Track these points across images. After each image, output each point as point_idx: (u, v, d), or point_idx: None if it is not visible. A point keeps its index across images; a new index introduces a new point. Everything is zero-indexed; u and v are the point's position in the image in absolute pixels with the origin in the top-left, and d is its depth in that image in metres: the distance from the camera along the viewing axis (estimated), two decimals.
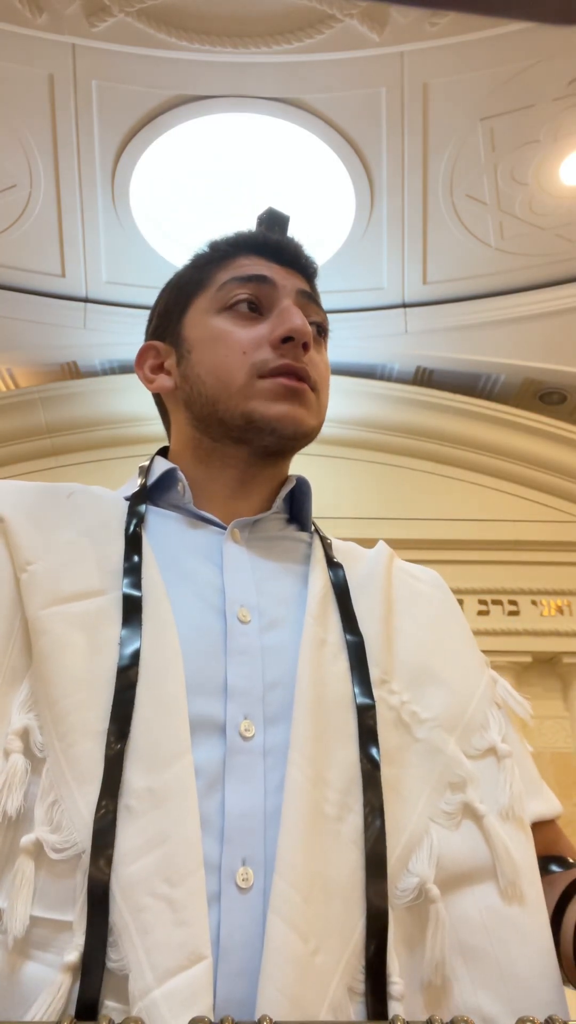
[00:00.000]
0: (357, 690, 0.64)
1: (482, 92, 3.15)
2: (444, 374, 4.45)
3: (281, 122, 3.32)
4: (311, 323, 0.80)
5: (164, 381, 0.84)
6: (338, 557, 0.78)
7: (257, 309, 0.79)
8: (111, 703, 0.57)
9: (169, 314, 0.86)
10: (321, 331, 0.84)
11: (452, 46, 2.98)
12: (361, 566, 0.78)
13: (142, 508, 0.75)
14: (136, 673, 0.59)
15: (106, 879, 0.50)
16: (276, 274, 0.82)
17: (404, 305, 4.03)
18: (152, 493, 0.79)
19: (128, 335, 4.26)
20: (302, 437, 0.79)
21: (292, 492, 0.84)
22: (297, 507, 0.85)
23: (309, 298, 0.83)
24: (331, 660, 0.65)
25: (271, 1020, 0.44)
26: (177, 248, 3.94)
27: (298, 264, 0.85)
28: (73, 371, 4.63)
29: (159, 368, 0.85)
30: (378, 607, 0.72)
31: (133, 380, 4.56)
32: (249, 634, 0.66)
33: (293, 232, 0.91)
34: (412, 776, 0.62)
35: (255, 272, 0.81)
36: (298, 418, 0.77)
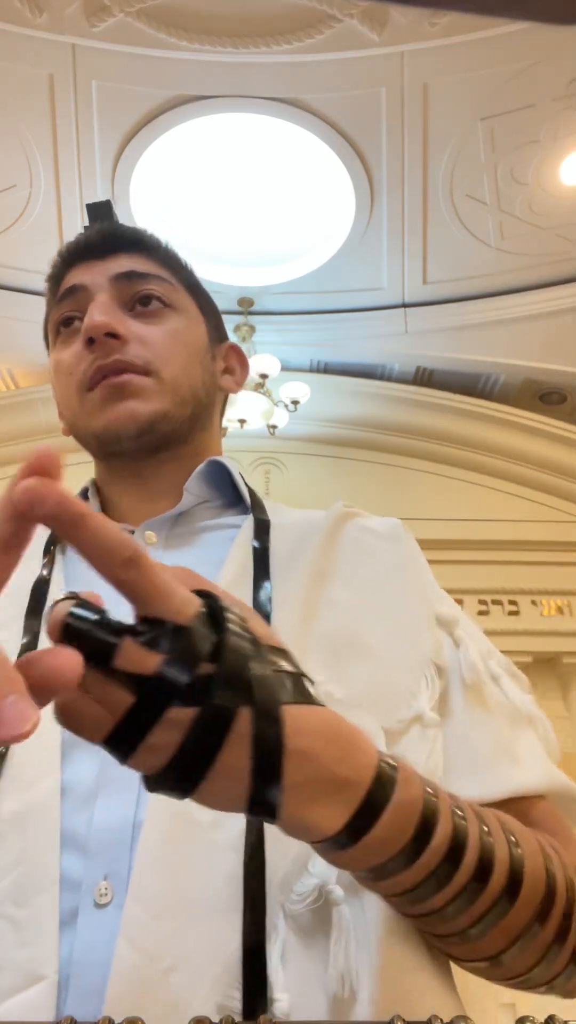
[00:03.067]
0: None
1: (482, 92, 3.15)
2: (444, 374, 4.45)
3: (281, 122, 3.32)
4: (139, 297, 0.76)
5: (61, 418, 0.83)
6: (279, 531, 0.73)
7: (76, 320, 0.77)
8: None
9: (48, 353, 0.85)
10: (147, 300, 0.76)
11: (452, 46, 2.98)
12: (301, 536, 0.73)
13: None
14: None
15: None
16: (91, 274, 0.78)
17: (404, 305, 4.03)
18: None
19: None
20: (148, 430, 0.73)
21: (218, 476, 0.78)
22: (227, 490, 0.79)
23: (130, 276, 0.77)
24: None
25: (270, 1020, 0.44)
26: (177, 248, 3.94)
27: (117, 245, 0.80)
28: None
29: (58, 404, 0.84)
30: (302, 579, 0.67)
31: None
32: None
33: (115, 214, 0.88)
34: None
35: (68, 286, 0.79)
36: (128, 414, 0.72)
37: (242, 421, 4.06)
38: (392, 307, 4.03)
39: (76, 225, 3.69)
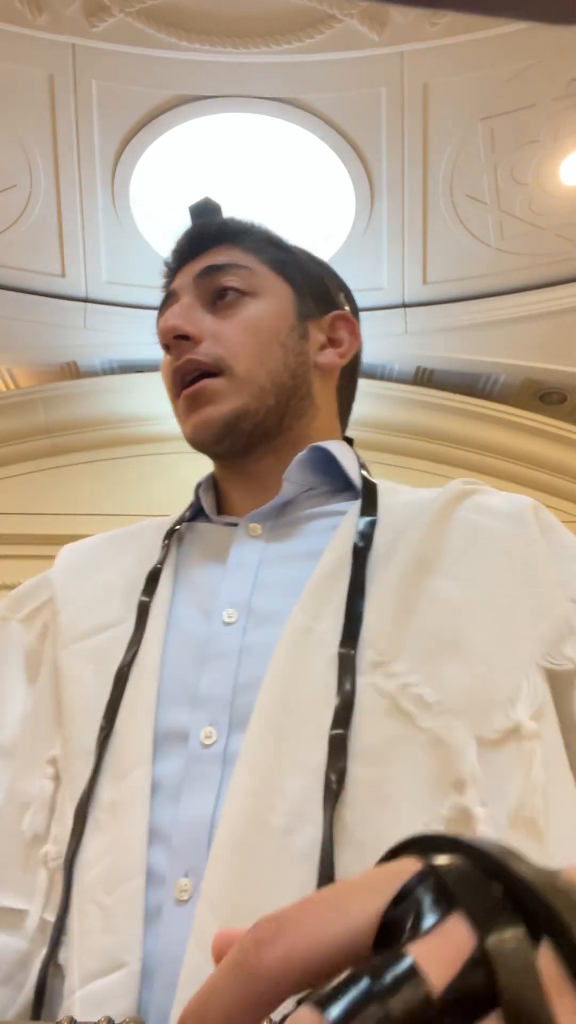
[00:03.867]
0: (339, 681, 0.56)
1: (482, 92, 3.15)
2: (444, 374, 4.45)
3: (281, 122, 3.32)
4: (217, 291, 0.76)
5: None
6: (387, 516, 0.68)
7: None
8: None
9: None
10: (223, 293, 0.76)
11: (452, 46, 2.98)
12: (409, 520, 0.67)
13: (182, 526, 0.77)
14: (123, 688, 0.62)
15: (69, 887, 0.55)
16: (181, 278, 0.80)
17: (404, 305, 4.03)
18: (200, 511, 0.81)
19: (128, 335, 4.25)
20: (228, 431, 0.74)
21: (324, 461, 0.76)
22: (337, 475, 0.76)
23: (209, 272, 0.78)
24: (313, 651, 0.58)
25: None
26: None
27: (203, 243, 0.81)
28: (73, 371, 4.63)
29: None
30: (402, 568, 0.62)
31: (133, 380, 4.56)
32: (230, 635, 0.63)
33: (217, 208, 0.87)
34: (407, 775, 0.52)
35: (166, 294, 0.81)
36: (205, 421, 0.74)
37: None
38: (392, 307, 4.03)
39: (76, 225, 3.69)
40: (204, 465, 3.84)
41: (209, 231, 0.83)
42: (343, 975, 0.20)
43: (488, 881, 0.22)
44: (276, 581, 0.67)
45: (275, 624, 0.62)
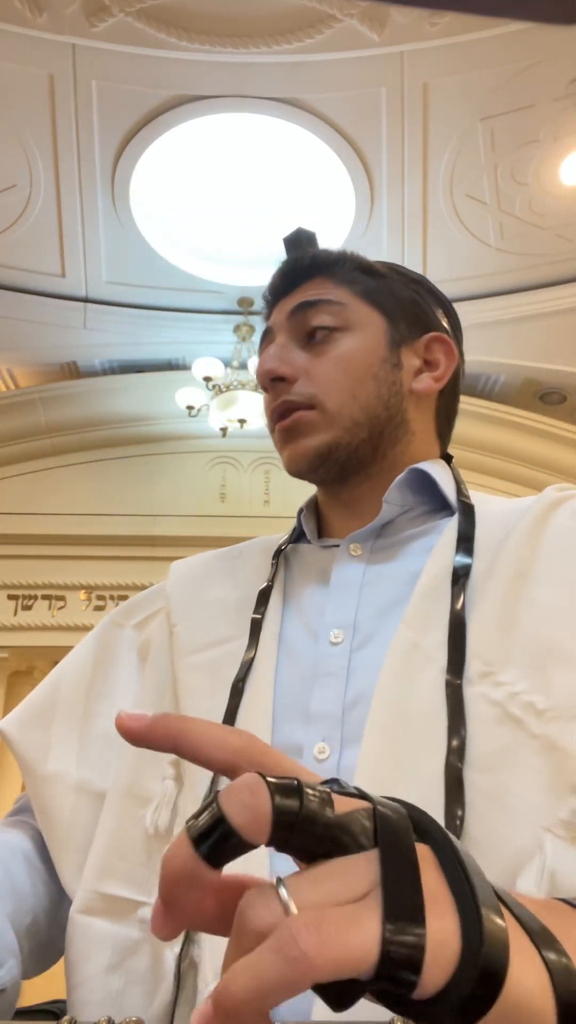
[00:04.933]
0: (448, 693, 0.58)
1: (482, 92, 3.15)
2: None
3: (281, 122, 3.32)
4: (311, 329, 0.78)
5: None
6: (483, 528, 0.70)
7: None
8: None
9: None
10: (314, 334, 0.78)
11: (452, 46, 2.98)
12: (505, 530, 0.69)
13: (287, 548, 0.81)
14: (240, 700, 0.66)
15: None
16: (277, 315, 0.82)
17: None
18: (303, 533, 0.84)
19: (128, 335, 4.26)
20: (322, 462, 0.75)
21: (421, 482, 0.77)
22: (435, 495, 0.77)
23: (303, 308, 0.79)
24: (421, 665, 0.60)
25: None
26: (177, 248, 3.94)
27: (297, 278, 0.82)
28: (73, 371, 4.63)
29: None
30: (503, 579, 0.63)
31: (133, 380, 4.57)
32: (338, 655, 0.65)
33: (311, 238, 0.89)
34: (522, 781, 0.53)
35: (266, 328, 0.83)
36: (300, 452, 0.76)
37: (242, 421, 4.06)
38: None
39: (76, 225, 3.69)
40: (204, 466, 3.87)
41: (301, 265, 0.83)
42: (288, 777, 0.32)
43: (399, 804, 0.33)
44: (379, 601, 0.69)
45: (380, 642, 0.65)
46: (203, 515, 4.44)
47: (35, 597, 4.42)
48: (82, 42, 3.00)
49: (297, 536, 0.83)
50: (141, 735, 0.34)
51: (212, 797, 0.31)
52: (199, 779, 0.63)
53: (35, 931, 0.65)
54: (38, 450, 4.66)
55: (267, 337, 0.82)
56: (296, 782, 0.31)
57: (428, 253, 3.79)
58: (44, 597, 4.40)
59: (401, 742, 0.57)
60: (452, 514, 0.74)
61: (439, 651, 0.60)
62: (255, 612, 0.72)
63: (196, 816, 0.30)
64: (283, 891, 0.28)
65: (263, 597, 0.74)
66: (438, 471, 0.78)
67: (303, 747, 0.61)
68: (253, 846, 0.30)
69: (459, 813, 0.52)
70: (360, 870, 0.29)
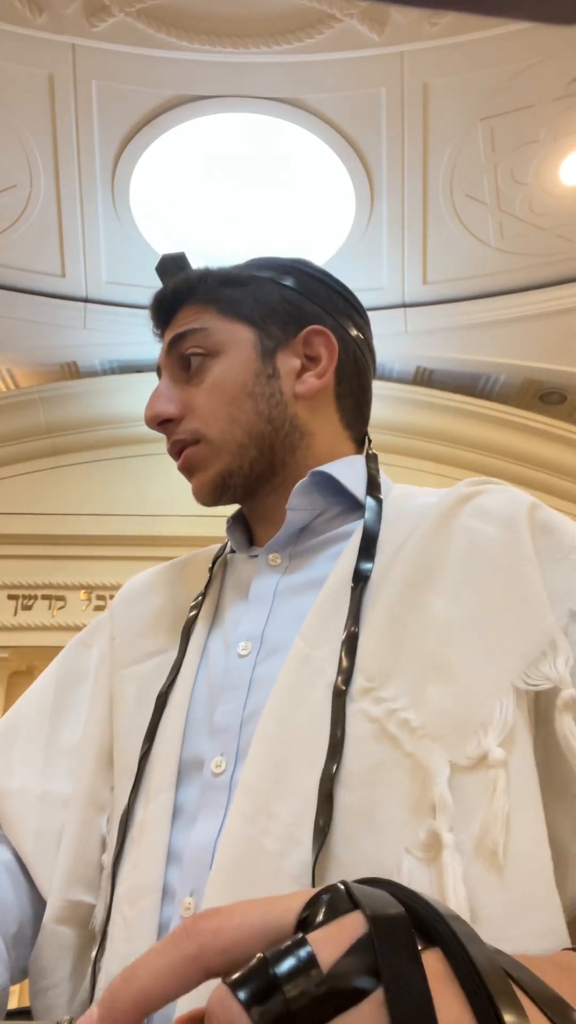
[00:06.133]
0: (332, 709, 0.57)
1: (482, 92, 3.15)
2: (444, 374, 4.45)
3: (281, 122, 3.32)
4: (185, 359, 0.77)
5: None
6: (390, 529, 0.67)
7: None
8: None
9: None
10: (187, 364, 0.77)
11: (452, 46, 2.98)
12: (411, 531, 0.66)
13: (224, 557, 0.83)
14: (159, 718, 0.68)
15: (110, 898, 0.62)
16: (162, 351, 0.82)
17: (404, 305, 4.03)
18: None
19: (128, 335, 4.26)
20: (220, 491, 0.77)
21: (329, 484, 0.75)
22: (347, 493, 0.76)
23: (174, 343, 0.78)
24: (312, 680, 0.59)
25: None
26: (177, 248, 3.93)
27: (169, 308, 0.81)
28: (73, 371, 4.63)
29: None
30: (398, 589, 0.61)
31: (133, 380, 4.56)
32: (242, 668, 0.66)
33: (183, 261, 0.87)
34: (391, 800, 0.53)
35: (156, 366, 0.84)
36: (197, 489, 0.78)
37: None
38: (392, 307, 4.03)
39: (76, 225, 3.69)
40: None
41: (167, 297, 0.82)
42: (253, 960, 0.26)
43: (394, 902, 0.28)
44: (287, 612, 0.68)
45: (281, 655, 0.64)
46: (203, 515, 4.43)
47: (35, 597, 4.42)
48: (82, 42, 3.00)
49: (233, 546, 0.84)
50: None
51: None
52: (121, 789, 0.66)
53: (20, 939, 0.66)
54: (38, 450, 4.65)
55: (160, 373, 0.82)
56: (264, 965, 0.25)
57: (428, 253, 3.79)
58: (44, 597, 4.40)
59: (283, 757, 0.57)
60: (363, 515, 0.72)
61: (330, 664, 0.60)
62: (185, 629, 0.74)
63: None
64: None
65: (194, 610, 0.75)
66: (343, 469, 0.75)
67: (204, 760, 0.62)
68: None
69: (325, 832, 0.52)
70: (369, 1019, 0.25)
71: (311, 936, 0.26)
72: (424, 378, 4.52)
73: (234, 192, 3.68)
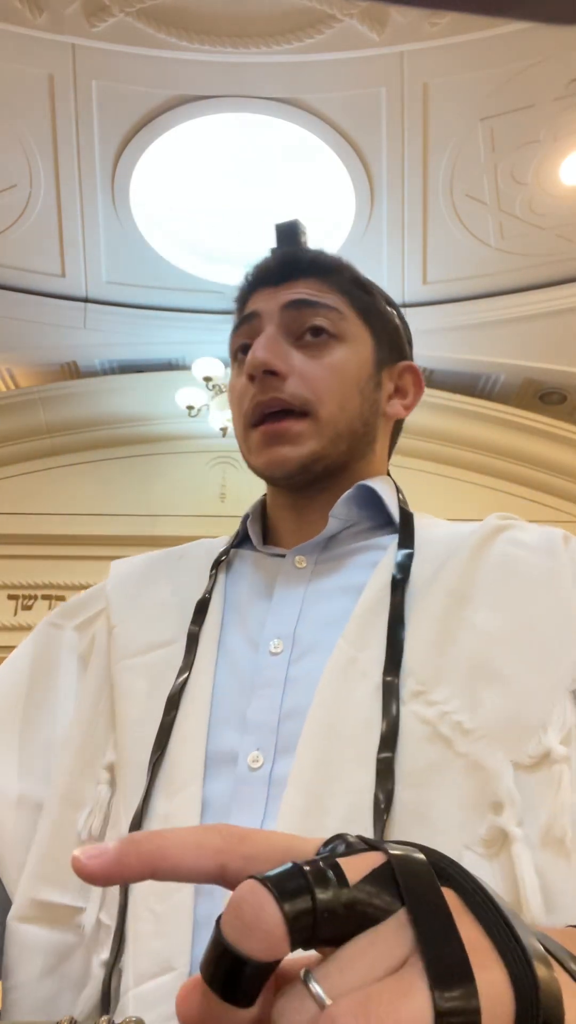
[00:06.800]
0: (384, 708, 0.59)
1: (482, 92, 3.15)
2: (444, 374, 4.45)
3: (281, 122, 3.32)
4: (307, 328, 0.77)
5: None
6: (424, 550, 0.71)
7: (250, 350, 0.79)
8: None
9: None
10: (316, 332, 0.77)
11: (452, 46, 2.98)
12: (447, 554, 0.70)
13: (230, 554, 0.81)
14: (176, 712, 0.66)
15: (125, 895, 0.59)
16: (265, 302, 0.79)
17: (404, 305, 4.03)
18: (246, 536, 0.84)
19: (128, 335, 4.26)
20: (300, 472, 0.75)
21: (367, 498, 0.78)
22: (378, 510, 0.79)
23: (300, 305, 0.77)
24: (357, 680, 0.62)
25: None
26: (177, 248, 3.94)
27: (294, 271, 0.80)
28: (73, 371, 4.63)
29: None
30: (441, 600, 0.65)
31: (133, 380, 4.57)
32: (276, 666, 0.66)
33: (305, 233, 0.88)
34: (447, 799, 0.55)
35: (246, 312, 0.81)
36: (281, 460, 0.75)
37: None
38: None
39: (76, 225, 3.69)
40: (204, 466, 3.85)
41: (301, 260, 0.81)
42: (286, 864, 0.27)
43: (410, 846, 0.29)
44: (320, 614, 0.70)
45: (318, 655, 0.65)
46: (203, 515, 4.44)
47: (35, 597, 4.42)
48: (82, 42, 3.00)
49: (240, 540, 0.82)
50: (109, 872, 0.29)
51: (216, 927, 0.26)
52: (132, 782, 0.64)
53: None
54: (38, 450, 4.66)
55: (249, 321, 0.79)
56: (298, 869, 0.27)
57: (428, 253, 3.79)
58: (44, 597, 4.40)
59: (333, 755, 0.58)
60: (395, 531, 0.76)
61: (375, 667, 0.62)
62: (193, 621, 0.72)
63: (206, 958, 0.26)
64: (314, 986, 0.25)
65: (201, 608, 0.74)
66: (384, 488, 0.79)
67: (237, 754, 0.62)
68: (279, 963, 0.26)
69: (384, 828, 0.53)
70: (392, 937, 0.26)
71: (341, 859, 0.28)
72: (424, 378, 4.52)
73: (234, 192, 3.68)
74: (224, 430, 4.20)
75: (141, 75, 3.12)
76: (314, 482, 0.77)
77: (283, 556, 0.76)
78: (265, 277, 0.82)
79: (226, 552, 0.80)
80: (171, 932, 0.55)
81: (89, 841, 0.64)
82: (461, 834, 0.53)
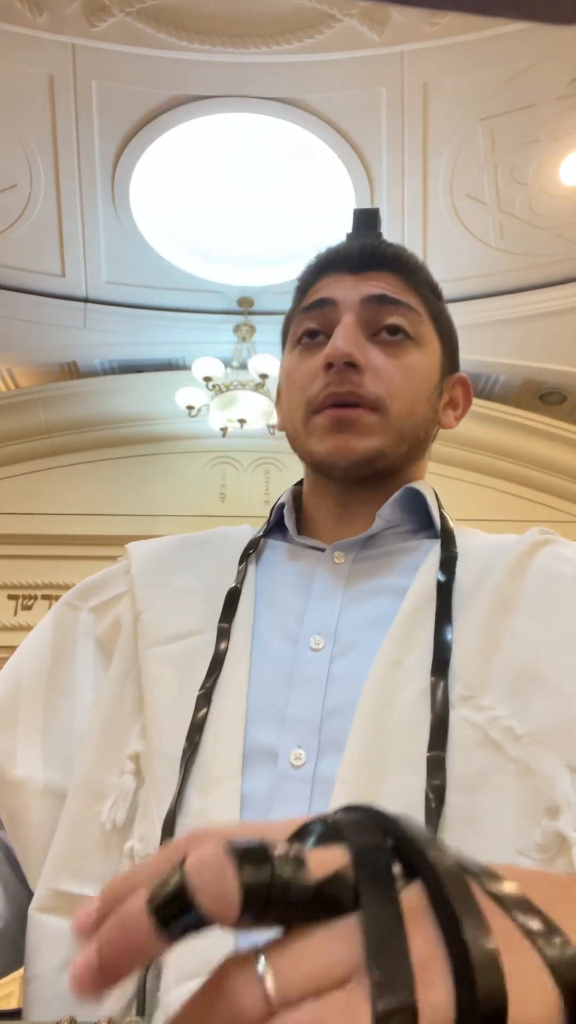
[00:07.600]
0: (431, 712, 0.59)
1: (482, 92, 3.15)
2: None
3: (281, 122, 3.32)
4: (385, 325, 0.76)
5: (279, 417, 0.86)
6: (467, 559, 0.72)
7: (320, 335, 0.78)
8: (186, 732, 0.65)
9: (282, 351, 0.87)
10: (394, 330, 0.76)
11: (452, 46, 2.98)
12: (489, 563, 0.71)
13: (259, 543, 0.79)
14: (208, 704, 0.65)
15: None
16: (343, 290, 0.78)
17: None
18: (275, 526, 0.82)
19: (128, 335, 4.26)
20: (361, 465, 0.74)
21: (412, 502, 0.78)
22: (419, 513, 0.79)
23: (381, 300, 0.76)
24: (404, 682, 0.62)
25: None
26: (177, 248, 3.94)
27: (376, 262, 0.79)
28: (73, 371, 4.63)
29: (278, 403, 0.87)
30: (486, 608, 0.66)
31: (133, 380, 4.57)
32: (317, 661, 0.66)
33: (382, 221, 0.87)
34: (498, 804, 0.55)
35: (318, 297, 0.79)
36: (347, 448, 0.74)
37: (242, 421, 4.06)
38: None
39: (76, 225, 3.69)
40: (204, 466, 3.86)
41: (384, 253, 0.80)
42: (254, 838, 0.27)
43: (380, 834, 0.29)
44: (362, 612, 0.69)
45: (361, 654, 0.65)
46: (203, 515, 4.44)
47: (35, 597, 4.42)
48: (82, 42, 3.00)
49: (268, 529, 0.81)
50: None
51: (181, 863, 0.27)
52: (162, 776, 0.62)
53: (6, 935, 0.65)
54: (38, 450, 4.66)
55: (321, 306, 0.78)
56: (262, 846, 0.27)
57: (428, 253, 3.79)
58: (44, 597, 4.40)
59: (382, 754, 0.58)
60: (435, 536, 0.75)
61: (421, 670, 0.62)
62: (224, 613, 0.71)
63: (163, 882, 0.27)
64: (264, 973, 0.26)
65: (232, 599, 0.72)
66: (428, 492, 0.80)
67: (278, 751, 0.61)
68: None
69: (436, 830, 0.53)
70: (343, 942, 0.26)
71: (310, 852, 0.28)
72: None
73: (234, 192, 3.68)
74: (224, 430, 4.20)
75: (141, 75, 3.12)
76: (369, 478, 0.76)
77: (320, 550, 0.75)
78: (343, 263, 0.80)
79: (255, 541, 0.79)
80: (211, 932, 0.55)
81: (113, 831, 0.63)
82: (514, 840, 0.53)
